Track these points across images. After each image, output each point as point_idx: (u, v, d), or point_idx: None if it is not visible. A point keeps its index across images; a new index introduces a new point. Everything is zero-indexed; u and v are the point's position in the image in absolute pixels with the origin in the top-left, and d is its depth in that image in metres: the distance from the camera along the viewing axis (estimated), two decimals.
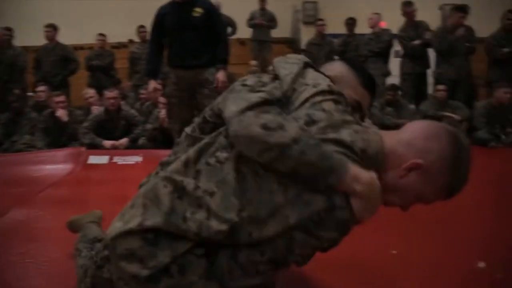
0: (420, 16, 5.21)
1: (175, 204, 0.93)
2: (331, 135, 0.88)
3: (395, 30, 5.26)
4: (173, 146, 1.33)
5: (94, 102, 4.55)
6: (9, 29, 5.20)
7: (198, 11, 3.15)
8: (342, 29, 5.87)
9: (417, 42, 4.96)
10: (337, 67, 1.16)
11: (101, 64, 5.71)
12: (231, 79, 3.21)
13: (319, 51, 5.74)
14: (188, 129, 1.22)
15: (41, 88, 4.69)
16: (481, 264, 1.56)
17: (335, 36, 6.02)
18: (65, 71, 5.31)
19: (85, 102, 4.68)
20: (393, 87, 4.82)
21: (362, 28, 5.65)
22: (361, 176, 0.86)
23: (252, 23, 6.46)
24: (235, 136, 0.88)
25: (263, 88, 0.95)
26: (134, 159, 3.63)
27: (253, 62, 6.17)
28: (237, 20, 6.28)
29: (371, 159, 0.90)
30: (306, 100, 0.94)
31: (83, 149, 3.77)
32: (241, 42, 7.17)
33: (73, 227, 1.66)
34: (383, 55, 5.34)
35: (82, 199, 2.55)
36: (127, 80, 6.05)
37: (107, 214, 1.64)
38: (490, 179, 3.11)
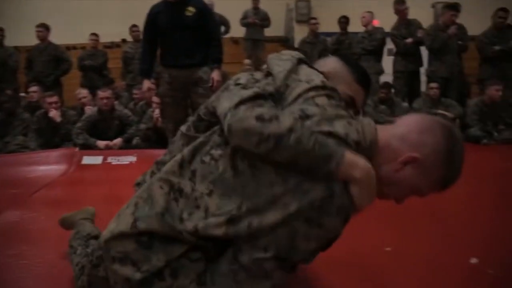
0: (413, 14, 5.24)
1: (170, 206, 0.93)
2: (325, 127, 0.88)
3: (388, 28, 5.28)
4: (168, 145, 1.33)
5: (87, 102, 4.52)
6: (0, 29, 5.16)
7: (190, 10, 3.14)
8: (335, 28, 5.89)
9: (409, 40, 4.99)
10: (331, 63, 1.16)
11: (94, 64, 5.67)
12: (225, 78, 3.21)
13: (313, 50, 5.75)
14: (183, 128, 1.22)
15: (34, 88, 4.65)
16: (474, 260, 1.57)
17: (328, 34, 6.03)
18: (57, 71, 5.27)
19: (78, 102, 4.65)
20: (386, 85, 4.85)
21: (355, 26, 5.67)
22: (358, 162, 0.87)
23: (245, 22, 6.46)
24: (230, 130, 0.87)
25: (256, 85, 0.95)
26: (128, 159, 3.62)
27: (247, 61, 6.17)
28: (230, 19, 6.28)
29: (366, 150, 0.90)
30: (299, 95, 0.94)
31: (76, 149, 3.75)
32: (235, 41, 7.17)
33: (66, 224, 1.65)
34: (376, 53, 5.36)
35: (76, 199, 2.54)
36: (121, 80, 6.02)
37: (101, 214, 1.64)
38: (483, 176, 3.14)
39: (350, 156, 0.86)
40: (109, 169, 3.46)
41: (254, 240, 0.88)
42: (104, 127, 4.08)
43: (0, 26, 5.22)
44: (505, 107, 4.50)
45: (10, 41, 5.41)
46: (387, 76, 5.40)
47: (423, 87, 5.21)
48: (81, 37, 6.22)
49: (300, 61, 1.04)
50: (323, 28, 6.08)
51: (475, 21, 5.33)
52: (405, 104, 4.88)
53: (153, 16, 3.19)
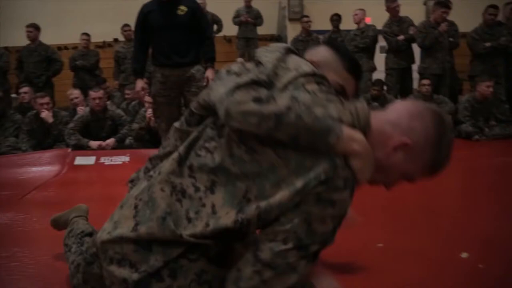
0: (405, 11, 5.26)
1: (174, 207, 0.92)
2: (319, 110, 0.89)
3: (380, 25, 5.30)
4: (162, 144, 1.32)
5: (80, 102, 4.50)
6: None
7: (182, 9, 3.13)
8: (327, 26, 5.91)
9: (401, 37, 5.01)
10: (321, 52, 1.17)
11: (86, 64, 5.64)
12: None
13: (305, 48, 5.74)
14: (176, 124, 1.22)
15: (25, 89, 4.62)
16: (465, 255, 1.59)
17: (321, 32, 6.05)
18: (48, 71, 5.24)
19: (70, 103, 4.62)
20: (379, 82, 4.87)
21: (348, 24, 5.69)
22: (355, 135, 0.88)
23: (237, 20, 6.45)
24: (228, 114, 0.87)
25: (249, 73, 0.95)
26: (121, 159, 3.61)
27: (240, 60, 6.15)
28: (222, 17, 6.28)
29: (359, 129, 0.91)
30: (289, 83, 0.95)
31: (69, 150, 3.74)
32: (228, 39, 7.16)
33: (59, 224, 1.63)
34: (368, 51, 5.39)
35: (69, 200, 2.52)
36: (113, 79, 6.00)
37: (95, 215, 1.63)
38: (474, 171, 3.17)
39: (348, 130, 0.88)
40: (102, 169, 3.45)
41: (270, 234, 0.87)
42: (97, 127, 4.06)
43: None
44: (496, 103, 4.55)
45: (0, 41, 5.36)
46: (380, 73, 5.43)
47: (415, 84, 5.24)
48: (73, 37, 6.18)
49: (288, 51, 1.04)
50: (315, 26, 6.10)
51: (466, 18, 5.37)
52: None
53: (144, 15, 3.18)
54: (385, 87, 5.02)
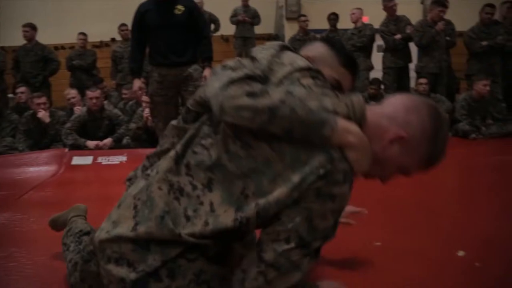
0: (402, 10, 5.27)
1: (172, 206, 0.92)
2: (314, 103, 0.89)
3: (377, 25, 5.31)
4: (159, 142, 1.32)
5: (77, 102, 4.48)
6: None
7: (180, 8, 3.13)
8: (325, 25, 5.91)
9: (398, 36, 5.02)
10: (316, 47, 1.17)
11: (83, 63, 5.63)
12: None
13: (303, 47, 5.76)
14: (174, 122, 1.22)
15: (21, 89, 4.60)
16: (461, 253, 1.59)
17: (318, 31, 6.05)
18: (45, 71, 5.22)
19: (67, 102, 4.61)
20: (376, 81, 4.88)
21: (345, 23, 5.69)
22: (351, 127, 0.88)
23: (235, 19, 6.45)
24: (222, 109, 0.87)
25: (244, 69, 0.95)
26: (118, 159, 3.60)
27: (237, 59, 6.15)
28: (220, 17, 6.27)
29: (355, 121, 0.91)
30: (284, 77, 0.95)
31: (66, 150, 3.73)
32: (225, 39, 7.16)
33: (57, 224, 1.62)
34: (366, 50, 5.39)
35: (66, 200, 2.52)
36: (110, 79, 5.99)
37: (93, 215, 1.63)
38: (471, 170, 3.18)
39: (343, 122, 0.88)
40: (99, 169, 3.44)
41: (272, 233, 0.87)
42: (94, 127, 4.05)
43: None
44: (492, 102, 4.56)
45: None
46: (377, 72, 5.44)
47: (412, 83, 5.25)
48: (70, 37, 6.16)
49: (283, 48, 1.04)
50: (313, 25, 6.10)
51: (462, 17, 5.39)
52: None
53: (141, 15, 3.17)
54: (382, 86, 5.03)
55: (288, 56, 1.01)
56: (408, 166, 0.96)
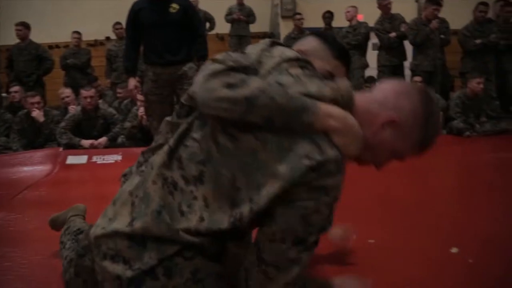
0: (397, 8, 5.29)
1: (167, 200, 0.92)
2: (298, 88, 0.88)
3: (372, 23, 5.32)
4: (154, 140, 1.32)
5: (71, 101, 4.46)
6: None
7: (174, 7, 3.12)
8: (320, 23, 5.92)
9: (392, 34, 5.04)
10: (308, 41, 1.18)
11: (77, 62, 5.60)
12: None
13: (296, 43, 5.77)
14: (168, 118, 1.22)
15: (15, 88, 4.57)
16: (454, 250, 1.60)
17: (313, 30, 6.03)
18: (39, 70, 5.19)
19: (61, 101, 4.59)
20: (371, 79, 4.90)
21: (340, 21, 5.71)
22: (333, 111, 0.87)
23: (230, 18, 6.44)
24: (203, 103, 0.88)
25: (229, 60, 0.95)
26: (113, 158, 3.59)
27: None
28: (215, 15, 6.26)
29: (342, 105, 0.91)
30: (273, 68, 0.95)
31: (60, 149, 3.71)
32: (220, 37, 7.14)
33: (56, 223, 1.62)
34: (361, 48, 5.41)
35: (61, 200, 2.51)
36: (105, 78, 5.96)
37: (88, 214, 1.63)
38: (465, 167, 3.20)
39: (325, 106, 0.87)
40: (94, 168, 3.43)
41: (269, 234, 0.87)
42: (89, 126, 4.03)
43: None
44: (486, 100, 4.59)
45: None
46: (372, 70, 5.46)
47: (407, 81, 5.26)
48: (64, 36, 6.13)
49: (273, 43, 1.05)
50: (308, 23, 6.11)
51: (457, 15, 5.41)
52: None
53: (135, 13, 3.16)
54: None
55: (278, 49, 1.02)
56: (401, 151, 0.96)
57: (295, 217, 0.86)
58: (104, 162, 3.53)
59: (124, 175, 1.27)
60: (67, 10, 6.96)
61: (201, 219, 0.90)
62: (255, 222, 0.90)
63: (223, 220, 0.89)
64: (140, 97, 3.91)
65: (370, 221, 1.90)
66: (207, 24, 6.12)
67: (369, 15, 5.53)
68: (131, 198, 0.96)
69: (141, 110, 3.91)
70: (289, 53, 0.99)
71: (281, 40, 6.50)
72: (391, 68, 5.15)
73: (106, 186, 2.40)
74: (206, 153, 0.92)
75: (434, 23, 4.71)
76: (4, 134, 4.08)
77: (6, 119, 4.17)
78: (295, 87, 0.89)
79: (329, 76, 1.11)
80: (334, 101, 0.90)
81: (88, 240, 1.00)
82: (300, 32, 5.91)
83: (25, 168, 3.30)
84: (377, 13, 5.27)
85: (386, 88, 0.97)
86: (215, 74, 0.88)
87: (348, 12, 5.43)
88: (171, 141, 0.98)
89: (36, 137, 4.05)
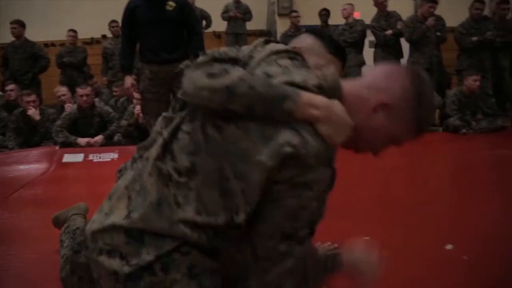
0: (393, 6, 5.29)
1: (163, 192, 0.91)
2: (282, 78, 0.88)
3: (368, 20, 5.33)
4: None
5: (67, 99, 4.45)
6: None
7: (171, 4, 3.11)
8: (316, 21, 5.92)
9: (389, 32, 5.05)
10: (304, 39, 1.19)
11: (73, 60, 5.58)
12: None
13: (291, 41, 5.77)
14: (164, 113, 1.22)
15: (10, 87, 4.55)
16: (449, 246, 1.61)
17: (309, 27, 6.04)
18: (34, 68, 5.16)
19: (57, 100, 4.57)
20: None
21: (336, 19, 5.71)
22: (315, 100, 0.86)
23: (226, 15, 6.43)
24: (185, 91, 0.89)
25: (217, 53, 0.95)
26: (109, 156, 3.59)
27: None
28: (211, 13, 6.24)
29: (329, 92, 0.90)
30: (262, 60, 0.95)
31: (57, 147, 3.70)
32: (217, 35, 7.13)
33: (58, 222, 1.63)
34: (357, 45, 5.41)
35: (57, 198, 2.50)
36: (101, 76, 5.94)
37: None
38: (462, 165, 3.21)
39: (306, 95, 0.86)
40: (90, 166, 3.43)
41: (259, 232, 0.88)
42: (85, 124, 4.02)
43: None
44: (483, 97, 4.61)
45: None
46: (369, 68, 5.46)
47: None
48: (60, 34, 6.10)
49: (267, 41, 1.05)
50: (304, 21, 6.10)
51: (453, 12, 5.42)
52: None
53: (131, 10, 3.14)
54: None
55: (271, 45, 1.02)
56: (396, 135, 0.95)
57: (279, 215, 0.86)
58: (101, 160, 3.53)
59: (120, 171, 1.27)
60: (63, 9, 6.93)
61: (198, 211, 0.90)
62: (248, 212, 0.90)
63: (218, 212, 0.89)
64: (136, 95, 3.89)
65: (362, 218, 1.89)
66: (204, 22, 6.10)
67: (366, 12, 5.53)
68: (127, 192, 0.96)
69: (138, 108, 3.90)
70: (279, 46, 0.99)
71: (278, 38, 6.50)
72: None
73: (103, 184, 2.40)
74: (195, 144, 0.91)
75: (430, 21, 4.71)
76: (0, 132, 4.07)
77: (2, 117, 4.15)
78: (280, 77, 0.88)
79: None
80: (318, 87, 0.89)
81: (84, 236, 0.99)
82: (296, 30, 5.90)
83: (21, 167, 3.29)
84: (374, 10, 5.27)
85: (374, 72, 0.97)
86: (200, 65, 0.89)
87: (344, 9, 5.43)
88: (165, 134, 0.98)
89: (32, 135, 4.04)
